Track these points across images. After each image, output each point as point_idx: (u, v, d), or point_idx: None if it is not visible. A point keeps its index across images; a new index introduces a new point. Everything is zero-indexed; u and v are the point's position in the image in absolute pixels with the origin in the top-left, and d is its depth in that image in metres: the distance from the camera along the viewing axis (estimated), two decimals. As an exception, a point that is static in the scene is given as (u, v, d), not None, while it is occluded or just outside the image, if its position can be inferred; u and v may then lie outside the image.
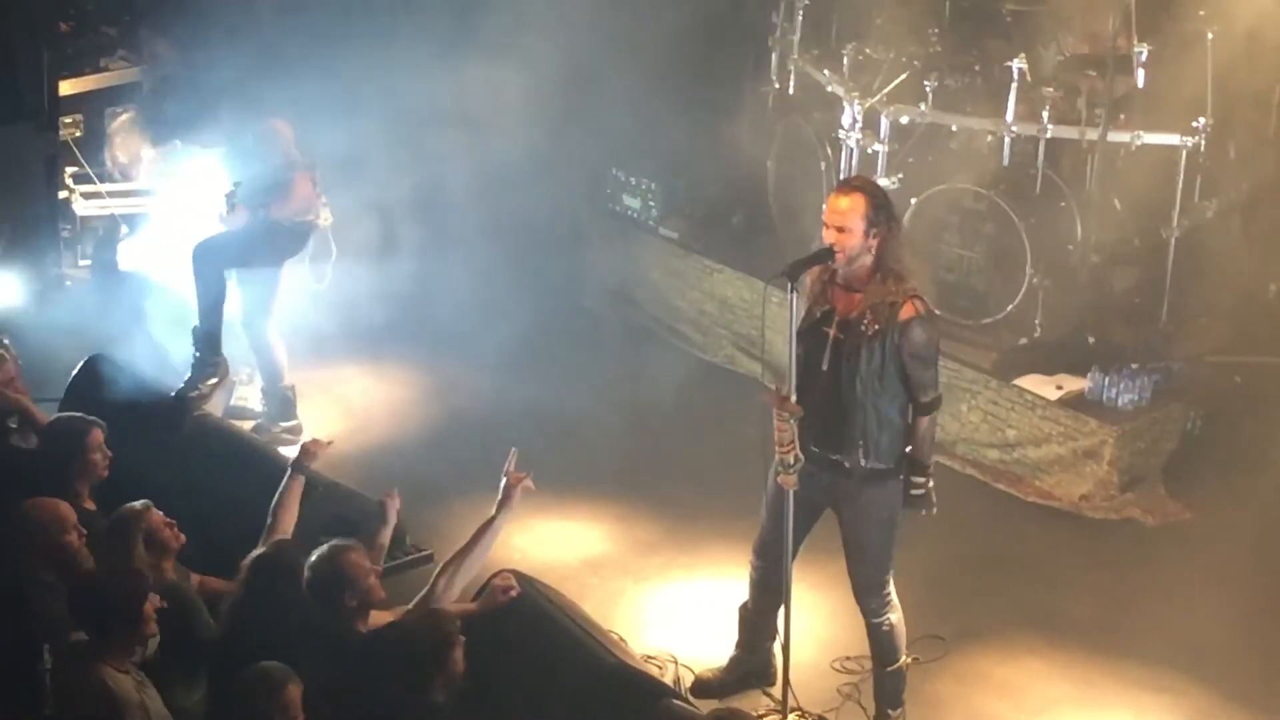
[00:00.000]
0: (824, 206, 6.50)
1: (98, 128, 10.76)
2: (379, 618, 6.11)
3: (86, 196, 10.54)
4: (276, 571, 6.09)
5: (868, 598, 6.72)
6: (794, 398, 6.28)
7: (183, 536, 6.30)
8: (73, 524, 6.20)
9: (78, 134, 10.62)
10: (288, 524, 6.63)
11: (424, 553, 7.44)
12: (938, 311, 6.76)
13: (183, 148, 10.62)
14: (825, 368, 6.40)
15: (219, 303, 8.50)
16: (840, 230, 6.34)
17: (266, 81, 8.62)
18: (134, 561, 6.09)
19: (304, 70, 8.83)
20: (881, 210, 6.39)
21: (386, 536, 6.76)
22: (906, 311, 6.35)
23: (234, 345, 8.83)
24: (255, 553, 6.23)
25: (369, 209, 10.35)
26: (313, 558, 6.00)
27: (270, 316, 8.87)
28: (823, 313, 6.46)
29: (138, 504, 6.29)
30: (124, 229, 10.46)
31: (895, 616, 6.75)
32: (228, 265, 8.53)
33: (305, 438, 8.84)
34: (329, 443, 7.13)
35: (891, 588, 6.72)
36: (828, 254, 6.38)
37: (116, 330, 9.07)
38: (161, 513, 6.28)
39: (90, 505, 6.70)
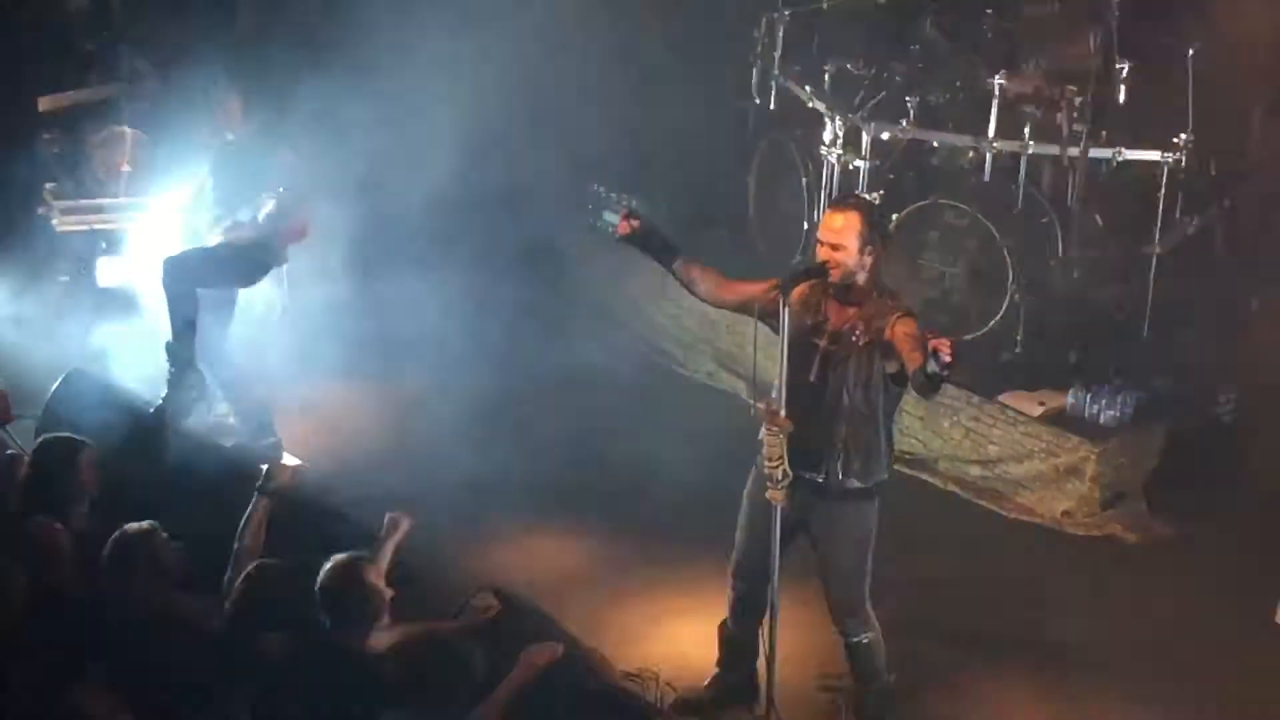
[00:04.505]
0: (814, 224, 6.47)
1: (77, 144, 10.72)
2: (378, 637, 6.07)
3: (65, 213, 10.48)
4: (264, 590, 6.02)
5: (845, 618, 6.70)
6: (783, 412, 6.26)
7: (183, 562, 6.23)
8: (64, 548, 6.14)
9: (57, 150, 10.58)
10: (255, 548, 6.50)
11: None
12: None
13: (161, 164, 10.60)
14: (813, 378, 6.37)
15: (191, 318, 8.44)
16: (835, 248, 6.32)
17: (248, 97, 8.57)
18: (135, 584, 6.03)
19: (283, 89, 8.80)
20: (876, 228, 6.39)
21: (386, 560, 6.50)
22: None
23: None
24: (248, 569, 6.13)
25: (347, 228, 10.33)
26: (326, 568, 5.93)
27: (229, 339, 8.82)
28: (814, 323, 6.42)
29: (144, 525, 6.18)
30: (103, 245, 10.40)
31: (873, 635, 6.72)
32: (199, 283, 8.48)
33: (285, 455, 8.87)
34: (299, 466, 7.03)
35: (869, 606, 6.69)
36: (821, 270, 6.37)
37: (95, 347, 9.02)
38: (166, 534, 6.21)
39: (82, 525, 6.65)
